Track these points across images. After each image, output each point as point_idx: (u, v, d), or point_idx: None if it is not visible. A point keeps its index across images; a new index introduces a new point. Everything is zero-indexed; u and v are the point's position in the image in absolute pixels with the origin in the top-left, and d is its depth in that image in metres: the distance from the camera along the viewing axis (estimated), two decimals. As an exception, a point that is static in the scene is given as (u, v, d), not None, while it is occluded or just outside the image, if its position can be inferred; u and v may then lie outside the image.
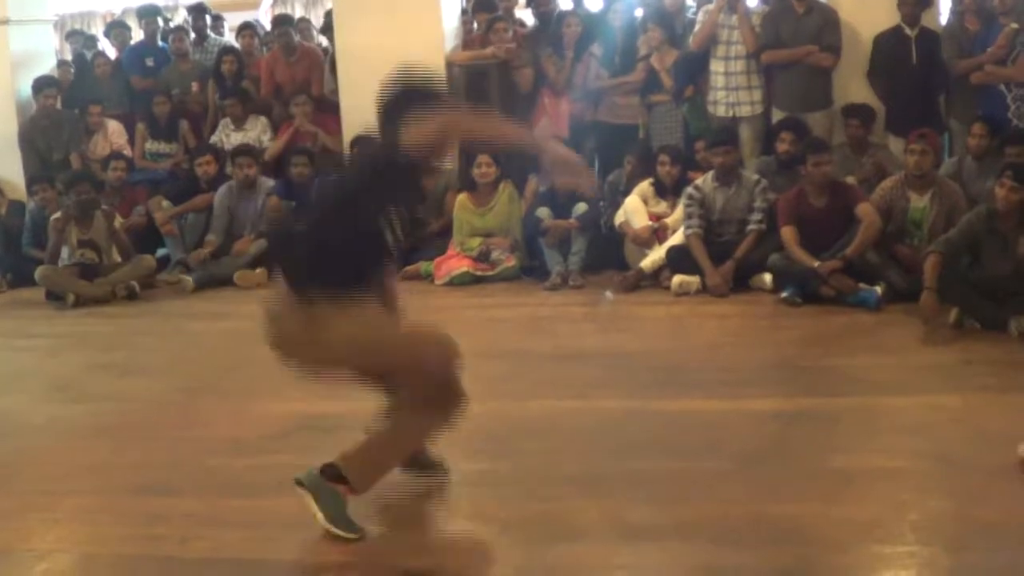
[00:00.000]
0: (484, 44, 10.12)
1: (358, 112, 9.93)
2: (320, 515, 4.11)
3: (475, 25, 10.61)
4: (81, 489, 4.91)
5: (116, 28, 12.98)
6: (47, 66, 11.41)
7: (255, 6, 16.65)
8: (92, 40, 13.77)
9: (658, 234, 8.51)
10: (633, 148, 9.21)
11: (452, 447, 5.00)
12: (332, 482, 4.15)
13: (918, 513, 4.16)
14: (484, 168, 9.05)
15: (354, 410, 5.02)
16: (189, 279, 9.26)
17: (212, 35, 12.40)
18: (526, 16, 11.32)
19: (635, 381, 5.83)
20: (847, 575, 3.77)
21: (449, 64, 10.02)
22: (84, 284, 9.03)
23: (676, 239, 8.32)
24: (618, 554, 3.93)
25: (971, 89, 8.67)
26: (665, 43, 9.52)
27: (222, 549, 4.17)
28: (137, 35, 12.74)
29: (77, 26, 16.04)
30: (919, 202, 7.63)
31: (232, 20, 13.74)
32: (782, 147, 8.55)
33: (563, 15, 10.22)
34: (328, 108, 10.49)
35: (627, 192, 8.88)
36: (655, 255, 8.36)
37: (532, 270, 8.81)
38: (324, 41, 11.87)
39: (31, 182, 10.26)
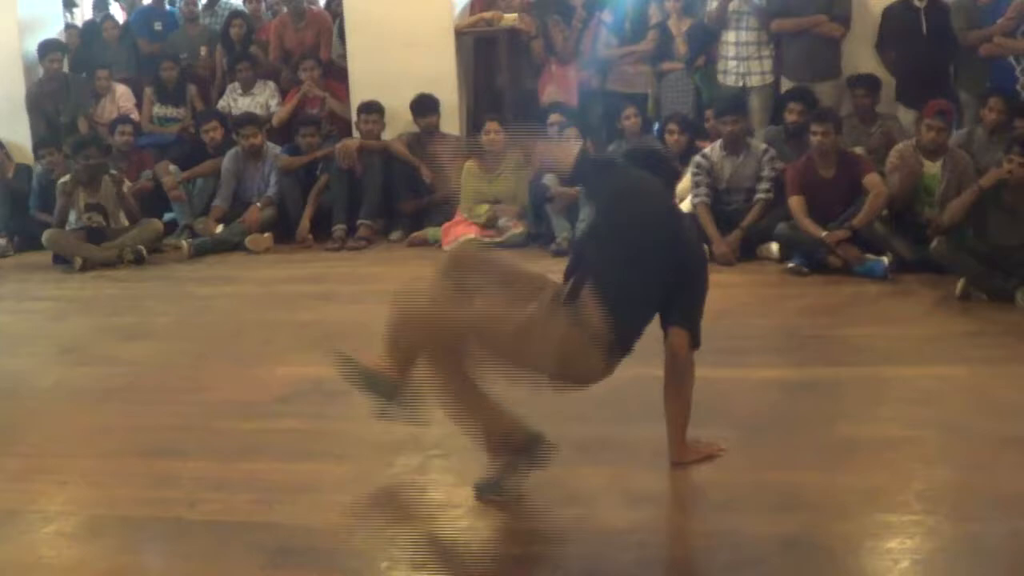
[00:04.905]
0: (490, 9, 10.12)
1: (366, 78, 9.94)
2: None
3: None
4: (89, 452, 4.93)
5: (124, -9, 12.97)
6: (55, 30, 11.37)
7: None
8: (103, 3, 13.74)
9: (665, 203, 8.49)
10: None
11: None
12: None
13: (923, 482, 4.17)
14: (493, 134, 9.03)
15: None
16: (184, 244, 9.26)
17: (222, -1, 12.39)
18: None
19: (639, 348, 5.81)
20: (851, 543, 3.78)
21: (458, 32, 9.99)
22: (91, 248, 9.04)
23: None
24: (623, 520, 3.94)
25: (980, 61, 8.63)
26: (681, 10, 9.53)
27: (231, 512, 4.19)
28: (145, -1, 12.74)
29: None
30: (931, 169, 7.65)
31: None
32: (791, 117, 8.53)
33: None
34: (336, 73, 10.47)
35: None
36: (662, 223, 8.34)
37: (539, 237, 8.79)
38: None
39: (38, 146, 10.23)
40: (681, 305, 4.31)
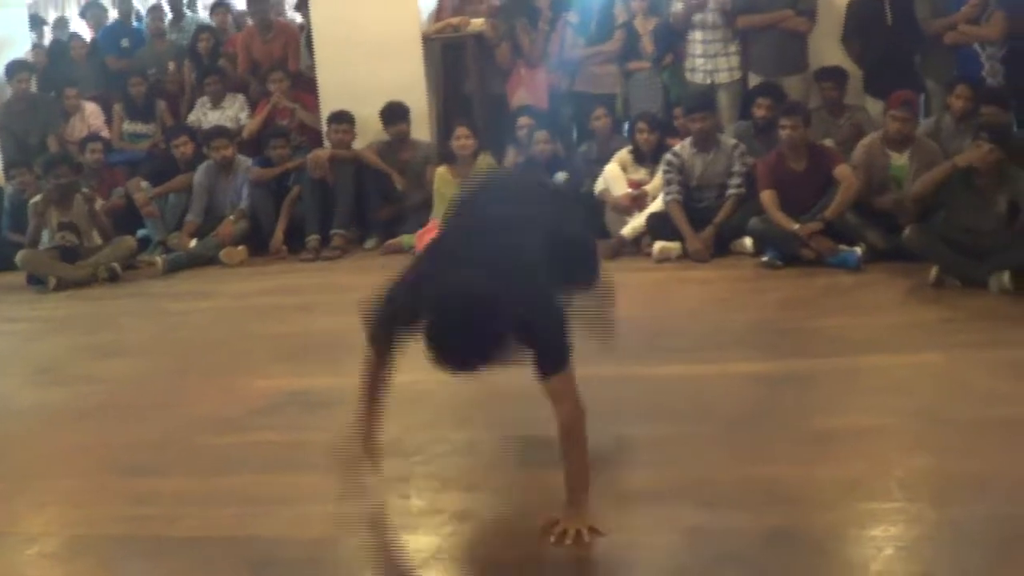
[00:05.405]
0: (458, 14, 10.12)
1: (335, 88, 9.93)
2: None
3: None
4: (68, 471, 4.90)
5: (91, 9, 12.93)
6: (22, 50, 11.35)
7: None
8: (62, 21, 13.72)
9: (638, 201, 8.51)
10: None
11: (439, 417, 5.03)
12: None
13: (903, 470, 4.18)
14: (463, 140, 9.04)
15: (339, 385, 5.03)
16: (159, 260, 9.23)
17: (189, 13, 12.37)
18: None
19: (618, 348, 5.85)
20: (835, 533, 3.78)
21: (426, 38, 9.99)
22: (65, 267, 9.00)
23: (656, 206, 8.33)
24: (608, 518, 3.94)
25: (945, 49, 8.68)
26: (646, 9, 9.55)
27: (212, 527, 4.17)
28: (112, 15, 12.70)
29: (52, 8, 15.95)
30: (898, 160, 7.68)
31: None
32: (759, 112, 8.57)
33: None
34: (305, 84, 10.46)
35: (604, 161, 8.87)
36: (635, 222, 8.37)
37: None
38: (298, 17, 11.83)
39: (9, 166, 10.23)
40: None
